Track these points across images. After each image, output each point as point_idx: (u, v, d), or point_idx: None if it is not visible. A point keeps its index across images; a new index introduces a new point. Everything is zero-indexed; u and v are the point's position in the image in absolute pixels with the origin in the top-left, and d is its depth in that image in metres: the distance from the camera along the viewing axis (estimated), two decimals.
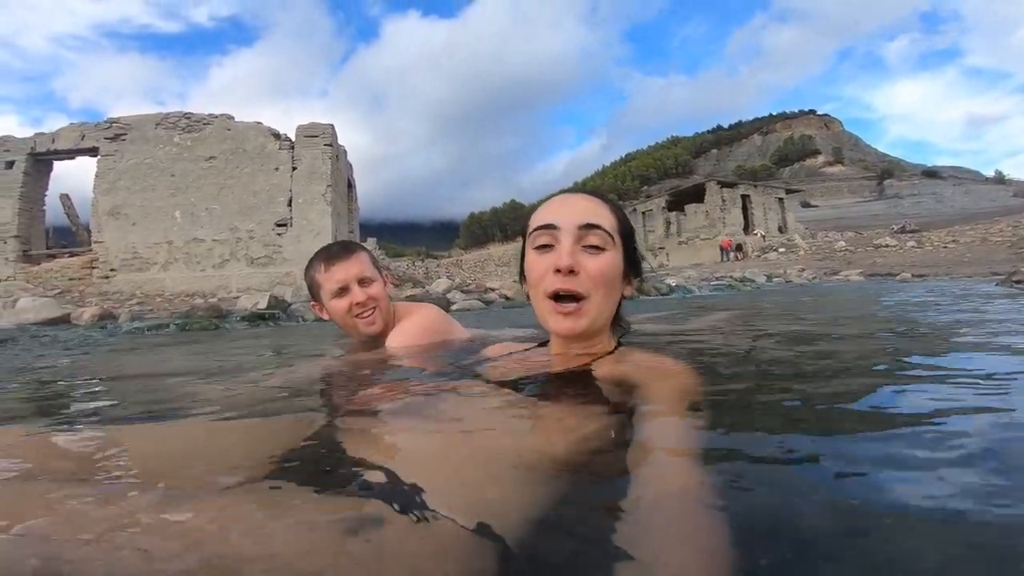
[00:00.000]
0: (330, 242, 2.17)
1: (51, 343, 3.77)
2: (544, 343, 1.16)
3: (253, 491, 0.56)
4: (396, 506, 0.50)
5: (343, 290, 1.74)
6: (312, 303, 1.89)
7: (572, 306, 0.97)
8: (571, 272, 0.95)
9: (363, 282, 1.75)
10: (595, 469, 0.64)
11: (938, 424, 0.73)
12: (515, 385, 0.97)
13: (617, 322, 1.11)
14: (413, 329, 1.78)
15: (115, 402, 1.35)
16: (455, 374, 1.15)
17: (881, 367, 1.24)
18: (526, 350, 1.19)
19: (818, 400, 0.92)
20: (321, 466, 0.69)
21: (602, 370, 0.96)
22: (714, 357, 1.39)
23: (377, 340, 1.81)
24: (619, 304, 1.08)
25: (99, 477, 0.64)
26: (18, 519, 0.47)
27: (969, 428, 0.71)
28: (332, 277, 1.74)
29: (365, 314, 1.75)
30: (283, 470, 0.66)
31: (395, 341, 1.75)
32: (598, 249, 0.97)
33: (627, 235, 1.04)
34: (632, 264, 1.06)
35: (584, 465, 0.64)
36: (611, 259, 0.98)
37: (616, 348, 1.06)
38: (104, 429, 0.97)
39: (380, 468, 0.61)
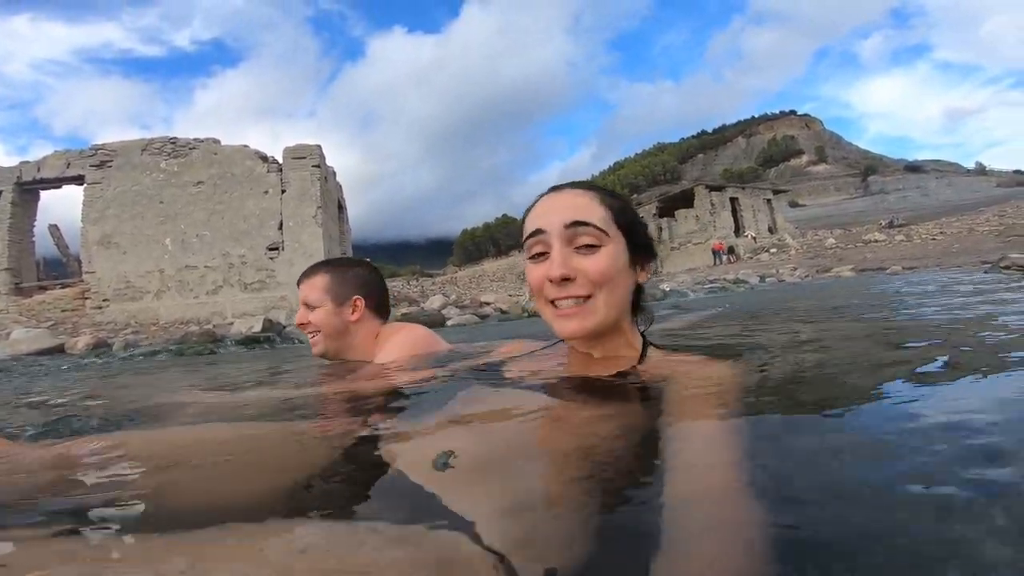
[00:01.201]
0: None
1: (45, 372, 3.74)
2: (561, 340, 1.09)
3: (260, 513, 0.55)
4: (421, 524, 0.49)
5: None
6: None
7: (576, 307, 0.92)
8: (565, 280, 0.91)
9: (308, 306, 1.81)
10: (629, 466, 0.63)
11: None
12: (540, 389, 0.94)
13: (638, 312, 1.05)
14: (397, 348, 1.78)
15: (110, 417, 1.34)
16: (469, 380, 1.12)
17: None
18: (543, 349, 1.14)
19: (863, 398, 0.88)
20: (333, 481, 0.68)
21: (640, 377, 0.92)
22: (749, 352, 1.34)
23: (352, 360, 1.84)
24: (638, 292, 1.02)
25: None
26: None
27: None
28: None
29: (309, 335, 1.84)
30: (285, 484, 0.66)
31: (383, 359, 1.75)
32: (592, 248, 0.92)
33: (627, 222, 0.98)
34: (640, 248, 1.00)
35: (617, 462, 0.63)
36: (608, 255, 0.92)
37: (644, 352, 0.99)
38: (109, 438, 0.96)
39: (396, 482, 0.61)
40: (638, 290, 1.03)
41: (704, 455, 0.62)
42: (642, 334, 1.05)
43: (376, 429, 0.85)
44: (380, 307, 1.90)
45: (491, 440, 0.73)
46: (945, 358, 1.03)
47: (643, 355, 0.98)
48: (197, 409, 1.29)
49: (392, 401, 1.10)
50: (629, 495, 0.58)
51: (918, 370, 0.98)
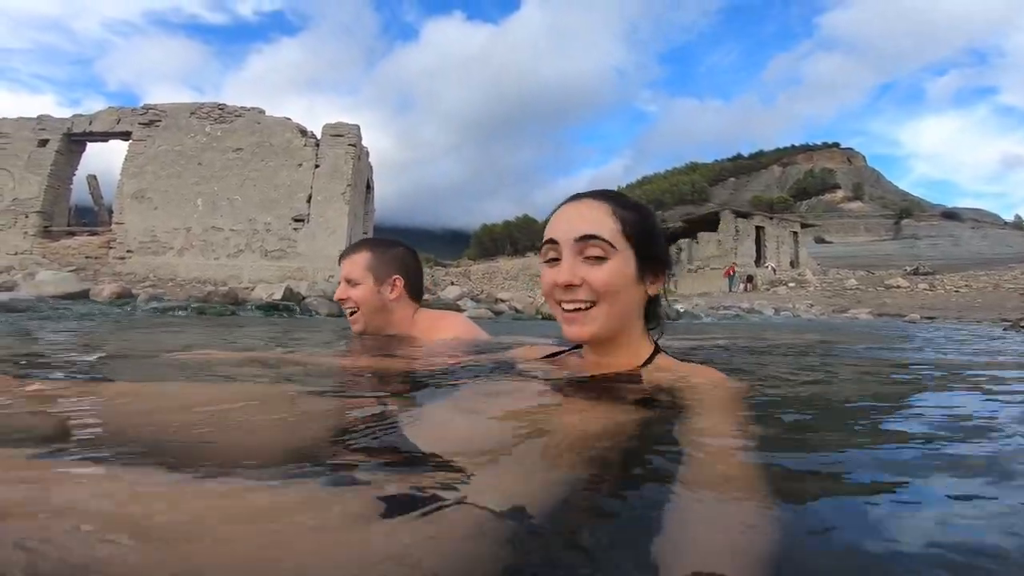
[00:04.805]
0: (345, 240, 2.30)
1: (73, 316, 3.87)
2: (579, 346, 1.15)
3: (285, 473, 0.57)
4: (433, 490, 0.51)
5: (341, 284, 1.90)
6: None
7: (578, 314, 0.99)
8: (571, 286, 0.98)
9: (349, 282, 1.86)
10: (635, 458, 0.66)
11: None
12: (555, 383, 1.01)
13: (651, 320, 1.09)
14: (452, 331, 1.86)
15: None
16: (496, 370, 1.18)
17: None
18: (561, 352, 1.20)
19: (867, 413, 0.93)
20: (363, 447, 0.69)
21: (643, 376, 0.98)
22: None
23: (389, 338, 1.90)
24: (654, 302, 1.07)
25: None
26: None
27: None
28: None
29: (347, 312, 1.88)
30: (320, 449, 0.68)
31: (449, 333, 1.85)
32: (599, 259, 0.97)
33: (639, 234, 1.01)
34: (651, 261, 1.03)
35: (626, 454, 0.66)
36: (613, 267, 0.97)
37: (653, 356, 1.04)
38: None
39: (419, 450, 0.63)
40: (653, 301, 1.07)
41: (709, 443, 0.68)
42: (655, 343, 1.09)
43: (389, 405, 0.89)
44: (416, 289, 1.96)
45: (502, 427, 0.78)
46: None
47: (649, 360, 1.03)
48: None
49: (416, 380, 1.17)
50: (632, 482, 0.62)
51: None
